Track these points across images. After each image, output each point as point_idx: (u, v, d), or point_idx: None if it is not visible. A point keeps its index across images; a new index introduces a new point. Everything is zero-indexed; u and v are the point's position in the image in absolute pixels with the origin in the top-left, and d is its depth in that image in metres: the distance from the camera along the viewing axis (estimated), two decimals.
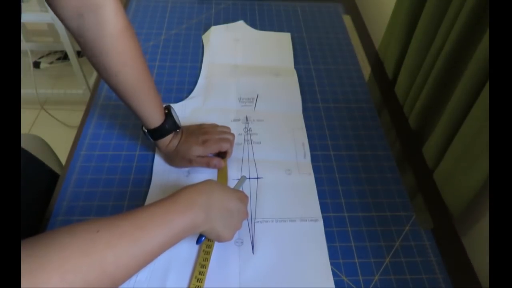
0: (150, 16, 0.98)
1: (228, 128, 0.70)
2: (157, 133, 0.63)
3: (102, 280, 0.38)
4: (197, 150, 0.64)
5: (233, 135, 0.69)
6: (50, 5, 0.51)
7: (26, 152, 0.68)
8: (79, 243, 0.37)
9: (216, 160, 0.65)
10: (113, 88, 0.59)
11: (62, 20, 0.52)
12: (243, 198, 0.55)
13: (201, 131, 0.67)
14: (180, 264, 0.55)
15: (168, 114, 0.64)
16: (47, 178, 0.70)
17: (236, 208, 0.52)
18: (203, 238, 0.53)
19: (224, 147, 0.65)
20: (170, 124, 0.63)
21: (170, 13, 1.00)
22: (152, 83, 0.61)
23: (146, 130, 0.63)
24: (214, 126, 0.69)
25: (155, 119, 0.62)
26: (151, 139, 0.64)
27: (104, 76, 0.57)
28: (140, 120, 0.62)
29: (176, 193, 0.48)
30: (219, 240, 0.53)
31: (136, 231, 0.41)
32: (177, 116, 0.65)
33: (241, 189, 0.60)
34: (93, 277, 0.37)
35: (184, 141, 0.65)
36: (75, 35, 0.54)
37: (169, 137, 0.64)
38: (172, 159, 0.66)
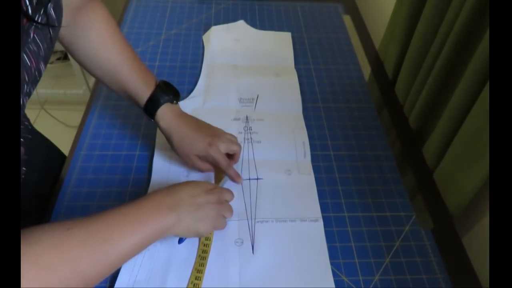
0: (150, 16, 0.98)
1: (235, 137, 0.66)
2: (153, 101, 0.59)
3: (75, 278, 0.38)
4: (200, 149, 0.60)
5: (239, 146, 0.64)
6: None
7: (37, 133, 0.68)
8: (49, 240, 0.38)
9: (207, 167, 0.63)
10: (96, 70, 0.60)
11: None
12: (211, 189, 0.54)
13: (211, 131, 0.62)
14: (180, 264, 0.55)
15: (163, 82, 0.62)
16: (57, 158, 0.72)
17: (205, 201, 0.52)
18: (184, 238, 0.55)
19: (223, 164, 0.61)
20: (163, 87, 0.60)
21: (170, 13, 1.00)
22: (134, 56, 0.61)
23: (144, 108, 0.60)
24: (223, 132, 0.64)
25: (145, 86, 0.59)
26: (152, 120, 0.61)
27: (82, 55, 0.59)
28: (134, 99, 0.60)
29: (147, 195, 0.49)
30: (200, 235, 0.54)
31: (108, 230, 0.42)
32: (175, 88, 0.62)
33: (225, 186, 0.61)
34: (66, 274, 0.37)
35: (196, 127, 0.61)
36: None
37: (171, 110, 0.60)
38: (178, 142, 0.60)
